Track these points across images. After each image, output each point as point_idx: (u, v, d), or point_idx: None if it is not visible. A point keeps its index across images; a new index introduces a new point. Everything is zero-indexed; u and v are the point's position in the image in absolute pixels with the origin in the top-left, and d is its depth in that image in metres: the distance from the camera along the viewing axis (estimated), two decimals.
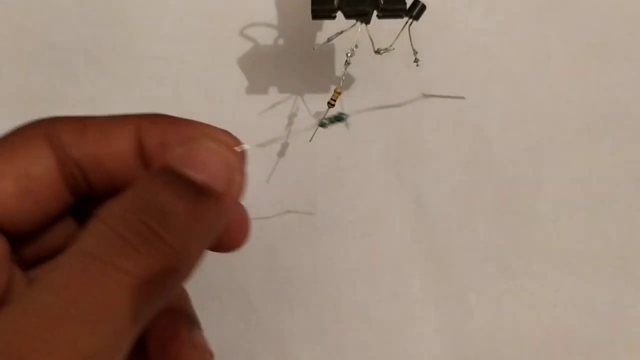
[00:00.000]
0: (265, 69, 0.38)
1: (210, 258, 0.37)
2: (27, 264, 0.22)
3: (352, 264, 0.38)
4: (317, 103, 0.37)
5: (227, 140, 0.19)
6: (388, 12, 0.30)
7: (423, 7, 0.31)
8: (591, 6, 0.39)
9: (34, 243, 0.21)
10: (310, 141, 0.32)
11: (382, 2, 0.30)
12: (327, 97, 0.31)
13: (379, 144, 0.38)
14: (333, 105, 0.30)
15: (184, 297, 0.24)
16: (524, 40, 0.39)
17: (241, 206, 0.21)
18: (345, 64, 0.30)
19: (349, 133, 0.38)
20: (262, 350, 0.37)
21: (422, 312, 0.38)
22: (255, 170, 0.38)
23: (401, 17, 0.31)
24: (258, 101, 0.38)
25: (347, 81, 0.38)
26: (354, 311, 0.38)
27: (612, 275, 0.38)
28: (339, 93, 0.30)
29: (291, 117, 0.37)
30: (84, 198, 0.21)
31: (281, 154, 0.38)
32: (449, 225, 0.38)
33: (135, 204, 0.17)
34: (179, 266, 0.17)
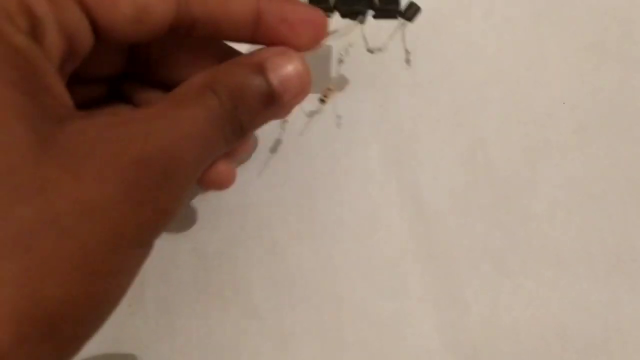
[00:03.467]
0: None
1: (213, 257, 0.38)
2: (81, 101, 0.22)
3: (352, 262, 0.38)
4: (311, 101, 0.37)
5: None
6: (382, 13, 0.31)
7: (417, 9, 0.31)
8: (586, 9, 0.39)
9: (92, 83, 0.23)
10: (301, 135, 0.32)
11: (377, 3, 0.31)
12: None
13: (378, 145, 0.39)
14: (324, 102, 0.31)
15: None
16: (520, 43, 0.39)
17: (318, 12, 0.23)
18: (338, 62, 0.31)
19: (348, 133, 0.39)
20: (264, 346, 0.38)
21: (420, 310, 0.38)
22: (257, 170, 0.39)
23: (395, 18, 0.32)
24: None
25: (342, 81, 0.38)
26: (354, 308, 0.38)
27: (606, 274, 0.38)
28: (331, 90, 0.31)
29: None
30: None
31: (282, 154, 0.38)
32: (447, 224, 0.38)
33: (235, 93, 0.21)
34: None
